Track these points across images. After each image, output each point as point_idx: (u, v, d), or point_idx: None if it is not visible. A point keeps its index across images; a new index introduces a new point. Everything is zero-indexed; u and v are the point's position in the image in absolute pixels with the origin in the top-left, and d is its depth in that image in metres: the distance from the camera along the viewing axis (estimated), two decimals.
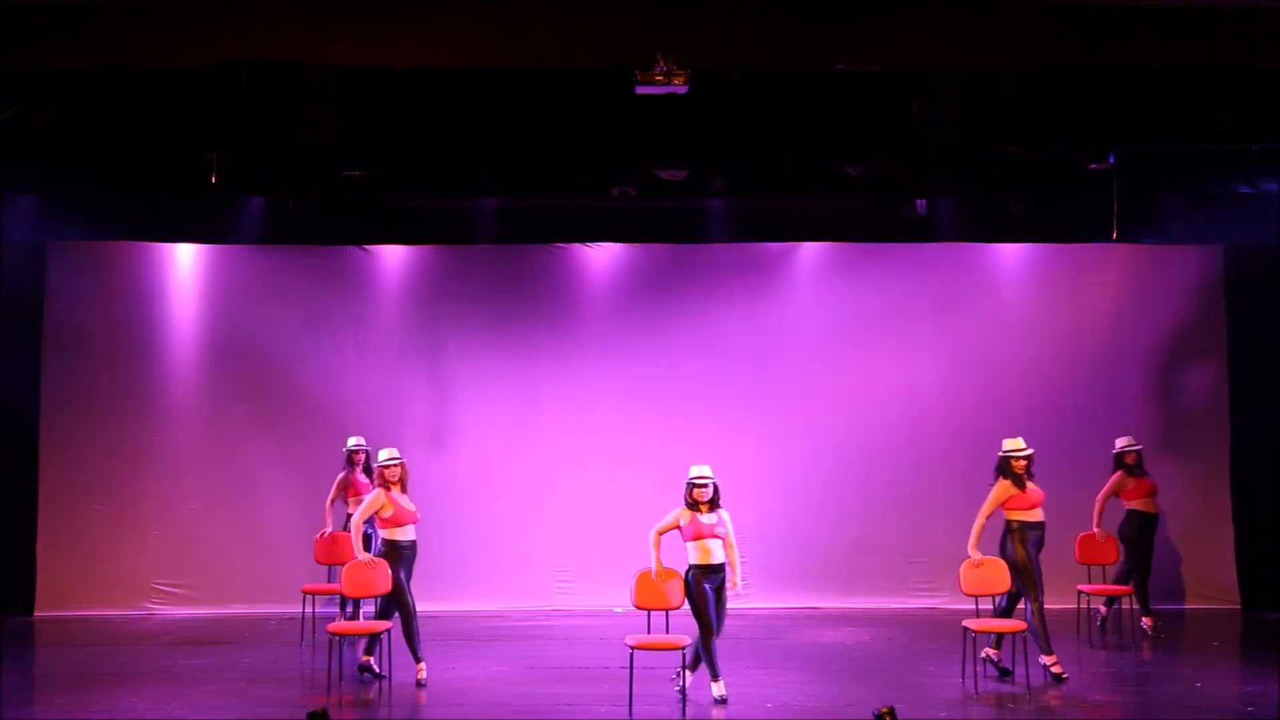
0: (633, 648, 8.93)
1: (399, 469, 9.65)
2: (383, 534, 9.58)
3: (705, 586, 8.94)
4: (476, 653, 10.79)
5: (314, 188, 11.33)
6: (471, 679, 9.84)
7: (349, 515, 10.92)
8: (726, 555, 9.05)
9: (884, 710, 6.42)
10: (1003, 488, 9.61)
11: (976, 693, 9.27)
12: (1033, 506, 9.61)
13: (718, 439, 12.39)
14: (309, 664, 10.43)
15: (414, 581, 9.59)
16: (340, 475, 11.36)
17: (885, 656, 10.69)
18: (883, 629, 11.72)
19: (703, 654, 9.01)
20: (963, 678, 9.48)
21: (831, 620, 12.17)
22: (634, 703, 8.83)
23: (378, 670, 9.62)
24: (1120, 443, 11.47)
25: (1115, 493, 11.42)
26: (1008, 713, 8.88)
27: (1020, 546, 9.53)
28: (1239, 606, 12.47)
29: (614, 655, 9.75)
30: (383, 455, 9.74)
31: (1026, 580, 9.49)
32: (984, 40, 7.86)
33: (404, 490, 9.69)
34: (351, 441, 11.38)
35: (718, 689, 8.94)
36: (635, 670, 8.93)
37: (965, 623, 9.56)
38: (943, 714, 8.78)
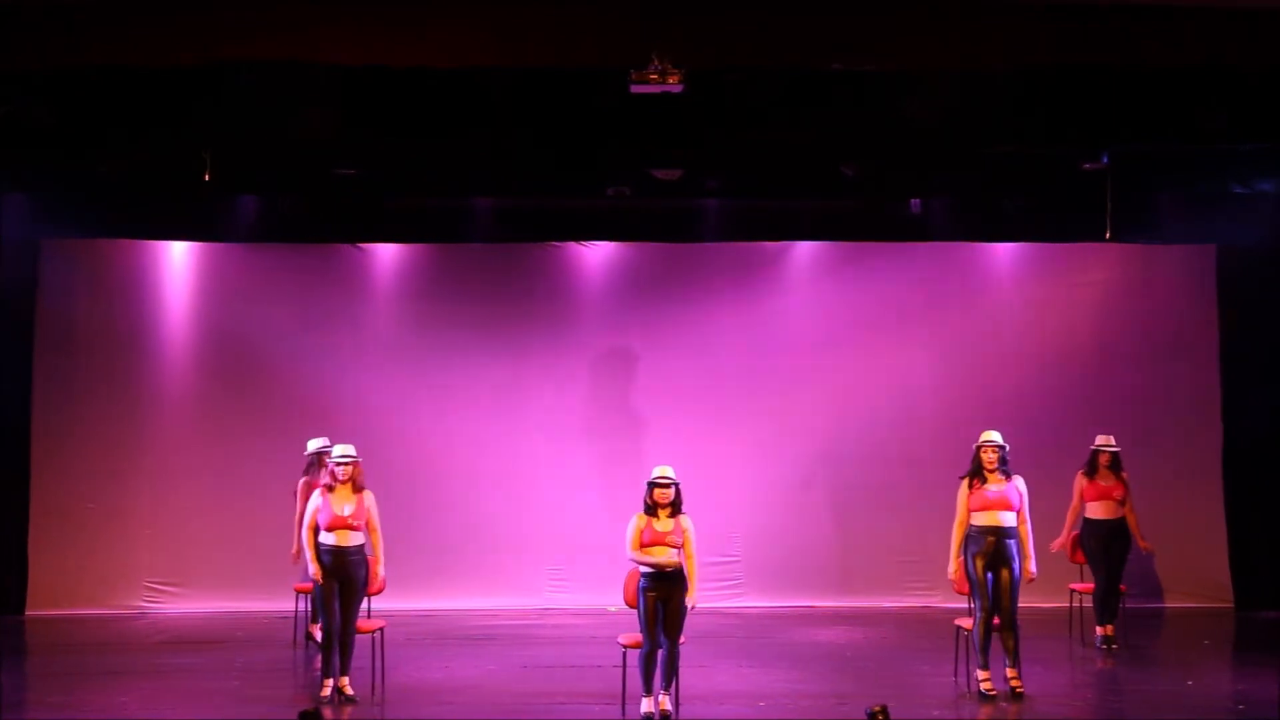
0: (625, 646, 8.91)
1: (351, 468, 8.91)
2: None
3: (650, 596, 8.47)
4: (469, 652, 10.79)
5: (308, 186, 11.30)
6: (464, 678, 9.84)
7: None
8: (685, 567, 8.52)
9: (877, 709, 6.42)
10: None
11: (969, 691, 9.27)
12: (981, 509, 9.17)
13: (711, 437, 12.41)
14: (301, 663, 10.41)
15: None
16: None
17: (878, 655, 10.70)
18: (876, 628, 11.73)
19: (641, 667, 8.52)
20: (955, 676, 9.49)
21: (824, 619, 12.18)
22: (626, 702, 8.82)
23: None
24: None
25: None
26: (998, 711, 8.89)
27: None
28: (1232, 605, 12.50)
29: (606, 654, 9.73)
30: (336, 451, 9.01)
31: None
32: (979, 40, 7.85)
33: (356, 491, 8.91)
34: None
35: (646, 704, 8.50)
36: (628, 669, 8.91)
37: (958, 621, 9.57)
38: (935, 713, 8.78)
